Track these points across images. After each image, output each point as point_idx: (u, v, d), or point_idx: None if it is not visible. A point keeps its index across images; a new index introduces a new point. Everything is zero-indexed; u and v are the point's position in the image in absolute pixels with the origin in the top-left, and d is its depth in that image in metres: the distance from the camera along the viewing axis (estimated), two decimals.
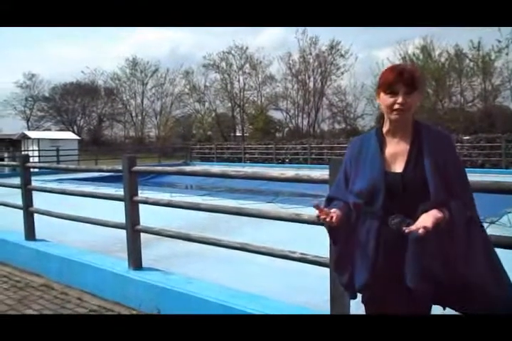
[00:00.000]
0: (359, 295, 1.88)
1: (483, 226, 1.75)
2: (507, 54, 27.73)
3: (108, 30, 62.88)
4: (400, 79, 1.68)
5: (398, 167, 1.73)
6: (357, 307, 1.93)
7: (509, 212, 6.62)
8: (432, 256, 1.62)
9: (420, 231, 1.52)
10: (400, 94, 1.68)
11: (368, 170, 1.76)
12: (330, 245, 2.64)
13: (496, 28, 26.90)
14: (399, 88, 1.68)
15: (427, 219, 1.56)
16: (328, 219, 1.69)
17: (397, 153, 1.75)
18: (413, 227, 1.55)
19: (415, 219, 1.59)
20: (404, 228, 1.58)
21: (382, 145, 1.79)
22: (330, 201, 1.89)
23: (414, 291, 1.65)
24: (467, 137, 19.68)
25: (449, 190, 1.66)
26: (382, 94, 1.74)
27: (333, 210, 1.74)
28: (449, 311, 1.74)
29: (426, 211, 1.61)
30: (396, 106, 1.69)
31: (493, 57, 28.43)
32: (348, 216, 1.79)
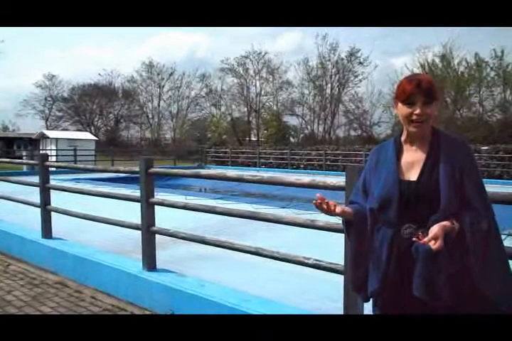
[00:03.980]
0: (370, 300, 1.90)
1: (501, 239, 1.73)
2: None
3: (127, 33, 63.90)
4: (418, 90, 1.67)
5: (413, 175, 1.72)
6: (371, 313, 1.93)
7: None
8: (440, 267, 1.61)
9: (432, 245, 1.55)
10: (417, 104, 1.67)
11: (383, 178, 1.77)
12: (345, 251, 2.66)
13: None
14: (417, 99, 1.67)
15: (437, 231, 1.57)
16: (327, 207, 1.73)
17: (413, 161, 1.75)
18: (425, 239, 1.57)
19: (427, 229, 1.60)
20: (414, 239, 1.60)
21: (399, 153, 1.79)
22: (351, 204, 1.93)
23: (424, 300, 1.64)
24: (485, 147, 19.41)
25: (463, 200, 1.65)
26: (400, 105, 1.73)
27: (332, 202, 1.77)
28: None
29: (437, 221, 1.61)
30: (414, 117, 1.69)
31: None
32: (361, 217, 1.83)
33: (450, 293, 1.62)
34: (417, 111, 1.67)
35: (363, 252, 1.86)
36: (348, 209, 1.83)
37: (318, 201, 1.73)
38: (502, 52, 28.31)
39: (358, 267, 1.89)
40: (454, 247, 1.62)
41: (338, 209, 1.75)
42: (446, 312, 1.65)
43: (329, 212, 1.75)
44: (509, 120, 27.56)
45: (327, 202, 1.74)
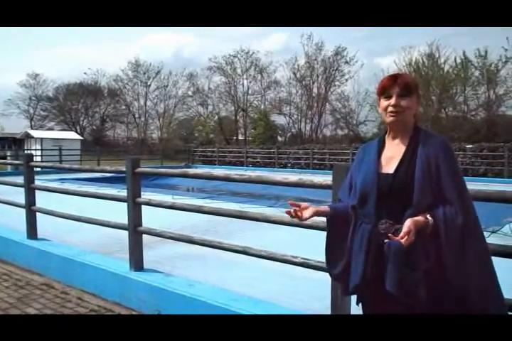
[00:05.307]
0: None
1: (483, 235, 1.71)
2: None
3: (114, 32, 63.39)
4: (393, 83, 1.76)
5: (392, 168, 1.75)
6: (358, 313, 1.94)
7: (511, 222, 6.62)
8: (414, 264, 1.60)
9: (403, 241, 1.56)
10: (393, 96, 1.75)
11: (364, 171, 1.82)
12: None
13: (504, 37, 27.00)
14: (393, 92, 1.75)
15: (408, 225, 1.58)
16: (294, 214, 1.80)
17: (393, 155, 1.79)
18: (398, 237, 1.58)
19: (402, 223, 1.61)
20: (388, 238, 1.61)
21: (381, 148, 1.84)
22: (340, 202, 1.98)
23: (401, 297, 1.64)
24: (470, 146, 19.65)
25: (439, 194, 1.65)
26: (380, 100, 1.82)
27: (304, 205, 1.83)
28: None
29: (412, 216, 1.62)
30: (390, 109, 1.76)
31: (499, 67, 28.40)
32: (345, 216, 1.86)
33: (425, 290, 1.61)
34: (393, 102, 1.75)
35: (342, 247, 1.87)
36: (323, 207, 1.89)
37: (292, 209, 1.81)
38: (486, 51, 28.69)
39: (336, 261, 1.91)
40: (429, 242, 1.62)
41: (306, 214, 1.80)
42: (426, 310, 1.65)
43: (298, 218, 1.81)
44: (492, 119, 27.93)
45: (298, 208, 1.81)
